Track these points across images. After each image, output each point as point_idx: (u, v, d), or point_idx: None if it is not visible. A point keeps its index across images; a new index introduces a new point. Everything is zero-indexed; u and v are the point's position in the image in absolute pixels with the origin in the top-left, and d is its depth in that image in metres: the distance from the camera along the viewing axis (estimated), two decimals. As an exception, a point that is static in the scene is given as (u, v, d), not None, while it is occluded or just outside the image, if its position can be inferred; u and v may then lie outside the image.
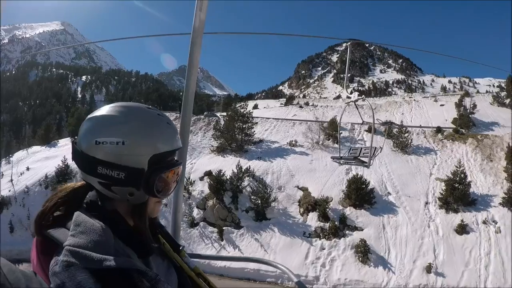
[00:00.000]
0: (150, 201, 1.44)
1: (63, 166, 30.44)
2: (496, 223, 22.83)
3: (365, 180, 25.78)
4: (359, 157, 12.83)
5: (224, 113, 43.77)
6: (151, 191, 1.37)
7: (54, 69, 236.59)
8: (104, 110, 1.40)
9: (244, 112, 36.64)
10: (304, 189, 26.93)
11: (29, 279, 1.01)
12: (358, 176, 25.97)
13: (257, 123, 38.84)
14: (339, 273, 20.27)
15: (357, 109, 14.97)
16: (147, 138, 1.36)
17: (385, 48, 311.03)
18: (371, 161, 12.36)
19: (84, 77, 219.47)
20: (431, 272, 19.79)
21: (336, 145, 33.87)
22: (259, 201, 25.02)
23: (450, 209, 24.15)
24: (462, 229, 22.40)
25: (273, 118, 43.86)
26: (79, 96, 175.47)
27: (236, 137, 34.32)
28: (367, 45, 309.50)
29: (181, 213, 2.23)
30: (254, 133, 35.78)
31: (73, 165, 31.51)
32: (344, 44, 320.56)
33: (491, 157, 30.25)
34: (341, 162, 13.98)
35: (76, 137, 1.48)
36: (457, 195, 24.20)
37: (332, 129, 35.46)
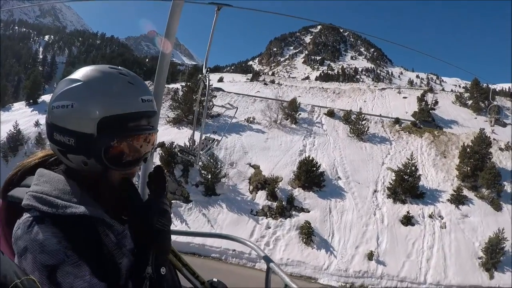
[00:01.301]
0: (111, 172, 1.32)
1: (14, 132, 29.30)
2: (442, 218, 23.21)
3: (316, 162, 25.65)
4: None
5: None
6: (100, 160, 1.26)
7: (16, 27, 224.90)
8: (72, 74, 1.30)
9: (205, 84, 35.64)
10: (256, 167, 26.66)
11: None
12: (310, 158, 25.76)
13: (216, 96, 38.03)
14: (282, 253, 20.16)
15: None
16: (96, 98, 1.23)
17: (358, 36, 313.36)
18: (198, 158, 10.62)
19: (47, 37, 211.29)
20: (372, 259, 19.96)
21: (294, 126, 33.68)
22: (210, 176, 24.54)
23: (398, 200, 24.38)
24: (408, 220, 22.69)
25: (234, 93, 43.33)
26: (40, 57, 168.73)
27: (193, 109, 33.42)
28: (341, 30, 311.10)
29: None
30: (212, 106, 35.00)
31: (25, 130, 30.41)
32: (319, 27, 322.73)
33: (445, 153, 30.68)
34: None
35: None
36: (406, 186, 24.43)
37: (291, 109, 34.99)
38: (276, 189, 24.16)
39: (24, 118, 34.72)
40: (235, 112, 14.24)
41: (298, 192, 24.24)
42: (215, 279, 1.87)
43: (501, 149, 31.37)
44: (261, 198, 23.95)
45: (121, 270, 1.21)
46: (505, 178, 26.66)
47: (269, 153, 28.44)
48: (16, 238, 1.12)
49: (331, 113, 37.04)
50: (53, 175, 1.26)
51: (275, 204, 23.23)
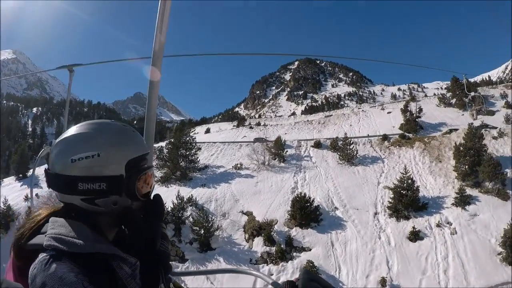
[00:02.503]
0: (133, 204, 1.44)
1: (4, 208, 28.62)
2: (450, 224, 22.04)
3: (309, 197, 24.57)
4: None
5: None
6: (133, 193, 1.40)
7: (5, 101, 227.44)
8: (72, 130, 1.40)
9: (187, 139, 35.30)
10: (249, 214, 25.63)
11: None
12: (302, 195, 24.72)
13: (200, 148, 37.51)
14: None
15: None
16: (119, 146, 1.38)
17: (335, 63, 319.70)
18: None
19: (35, 109, 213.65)
20: (386, 285, 18.69)
21: (283, 164, 32.94)
22: (202, 231, 23.50)
23: (401, 217, 23.25)
24: (415, 235, 21.47)
25: (220, 142, 42.75)
26: (30, 129, 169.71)
27: (180, 165, 32.84)
28: (318, 61, 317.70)
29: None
30: (198, 159, 34.45)
31: (15, 206, 29.59)
32: (297, 63, 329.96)
33: (440, 157, 29.88)
34: None
35: (47, 165, 1.45)
36: (406, 201, 23.32)
37: (277, 148, 34.30)
38: (272, 232, 23.08)
39: (14, 193, 33.89)
40: None
41: (295, 232, 23.10)
42: None
43: (494, 138, 30.78)
44: (258, 245, 22.86)
45: None
46: (506, 166, 25.87)
47: (260, 197, 27.45)
48: (33, 277, 1.13)
49: (317, 144, 36.41)
50: (67, 220, 1.30)
51: (273, 248, 22.14)
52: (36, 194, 30.06)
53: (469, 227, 21.40)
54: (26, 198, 31.19)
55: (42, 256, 1.17)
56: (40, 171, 39.94)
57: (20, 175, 40.77)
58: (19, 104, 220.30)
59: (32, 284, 1.12)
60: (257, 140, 40.88)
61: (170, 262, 1.55)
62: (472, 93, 32.20)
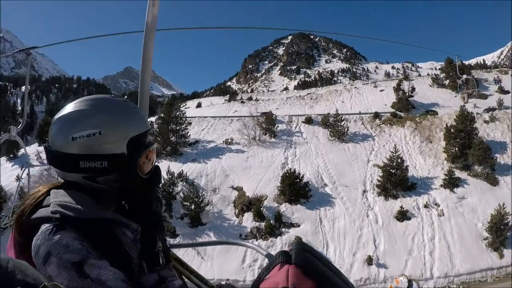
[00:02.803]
0: (135, 181, 1.43)
1: None
2: (438, 206, 22.25)
3: (299, 174, 24.60)
4: None
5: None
6: (134, 172, 1.39)
7: None
8: (71, 107, 1.37)
9: (177, 114, 35.00)
10: (239, 189, 25.65)
11: (23, 269, 0.99)
12: (292, 171, 24.74)
13: (191, 123, 37.21)
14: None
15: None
16: (120, 123, 1.35)
17: (329, 39, 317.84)
18: None
19: (23, 88, 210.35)
20: (372, 264, 18.92)
21: (273, 139, 32.84)
22: (193, 207, 23.51)
23: (389, 196, 23.42)
24: (403, 215, 21.69)
25: (210, 117, 42.32)
26: (19, 108, 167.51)
27: (170, 140, 32.61)
28: (311, 36, 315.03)
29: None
30: (189, 134, 34.16)
31: (7, 187, 29.64)
32: (290, 37, 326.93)
33: (431, 138, 29.95)
34: None
35: (47, 141, 1.42)
36: (395, 180, 23.44)
37: (268, 123, 34.16)
38: (262, 208, 23.17)
39: (5, 174, 33.91)
40: None
41: (285, 208, 23.23)
42: (223, 282, 1.68)
43: (486, 122, 30.76)
44: (248, 220, 22.99)
45: (136, 261, 1.34)
46: (496, 151, 26.04)
47: (251, 172, 27.47)
48: (37, 248, 1.14)
49: (309, 120, 36.27)
50: (68, 191, 1.31)
51: (263, 224, 22.28)
52: (28, 174, 29.78)
53: (457, 210, 21.67)
54: (18, 178, 30.77)
55: (45, 226, 1.18)
56: (31, 150, 39.87)
57: (11, 155, 40.61)
58: (7, 84, 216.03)
59: (36, 255, 1.14)
60: (263, 114, 40.07)
61: (163, 223, 1.60)
62: (465, 76, 32.04)
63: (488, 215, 20.25)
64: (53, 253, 1.10)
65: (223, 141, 33.72)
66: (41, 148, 38.89)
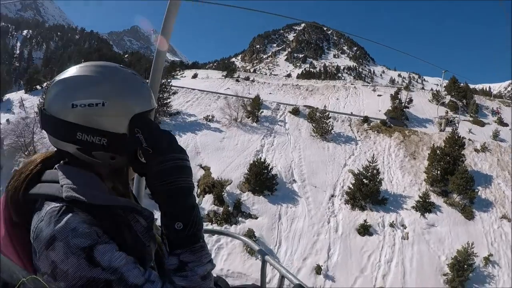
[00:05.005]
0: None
1: None
2: (405, 227, 21.00)
3: (268, 164, 23.40)
4: None
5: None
6: (134, 157, 1.31)
7: None
8: (76, 70, 1.25)
9: (163, 81, 33.82)
10: (207, 169, 24.46)
11: None
12: (261, 160, 23.53)
13: (176, 93, 36.06)
14: (223, 263, 17.82)
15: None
16: (126, 97, 1.25)
17: (342, 34, 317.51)
18: None
19: (25, 32, 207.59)
20: (320, 273, 17.68)
21: (255, 124, 31.62)
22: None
23: (357, 206, 22.21)
24: (365, 229, 20.44)
25: (198, 90, 41.05)
26: (17, 52, 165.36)
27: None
28: (324, 28, 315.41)
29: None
30: (170, 103, 33.02)
31: None
32: (303, 24, 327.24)
33: (415, 154, 28.77)
34: None
35: (42, 104, 1.32)
36: (365, 191, 22.20)
37: (253, 107, 32.93)
38: (223, 193, 22.01)
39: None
40: None
41: (246, 197, 22.05)
42: (214, 275, 1.65)
43: (476, 150, 29.48)
44: (207, 203, 21.80)
45: (150, 250, 1.28)
46: (479, 183, 24.83)
47: (222, 154, 26.26)
48: (38, 230, 1.06)
49: (296, 111, 34.83)
50: (77, 170, 1.22)
51: (221, 209, 21.19)
52: (7, 120, 28.92)
53: (423, 236, 20.42)
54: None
55: (50, 207, 1.09)
56: (15, 96, 38.66)
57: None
58: (9, 25, 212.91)
59: (37, 238, 1.05)
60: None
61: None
62: (449, 97, 30.44)
63: (454, 249, 19.05)
64: (59, 237, 1.02)
65: (204, 117, 32.39)
66: (26, 96, 37.97)
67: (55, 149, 1.30)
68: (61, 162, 1.29)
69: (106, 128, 1.19)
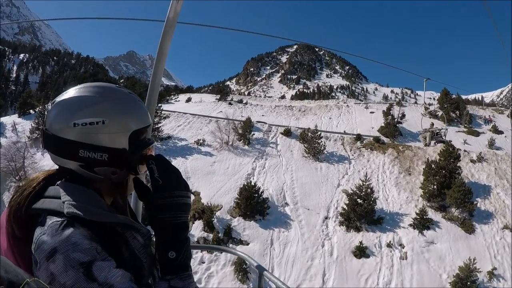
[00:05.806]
0: (129, 178, 1.44)
1: None
2: (403, 247, 20.21)
3: (259, 188, 22.76)
4: None
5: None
6: (134, 170, 1.38)
7: None
8: (75, 92, 1.33)
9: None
10: (196, 194, 23.79)
11: (4, 265, 0.97)
12: (252, 183, 22.95)
13: (168, 117, 35.82)
14: (214, 292, 17.25)
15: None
16: (125, 115, 1.33)
17: (334, 54, 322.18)
18: None
19: (22, 55, 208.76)
20: (315, 301, 17.16)
21: (246, 147, 31.13)
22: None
23: (352, 227, 21.42)
24: (361, 252, 19.62)
25: (190, 114, 40.71)
26: (13, 76, 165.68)
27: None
28: (316, 49, 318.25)
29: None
30: (161, 129, 32.64)
31: None
32: (295, 46, 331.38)
33: (410, 170, 28.18)
34: None
35: (43, 124, 1.38)
36: (360, 212, 21.50)
37: (245, 129, 32.52)
38: (213, 218, 21.36)
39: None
40: None
41: (237, 222, 21.34)
42: None
43: (472, 161, 28.92)
44: (197, 229, 21.02)
45: (147, 266, 1.32)
46: (477, 194, 24.18)
47: (213, 178, 25.63)
48: (40, 242, 1.11)
49: (287, 132, 34.31)
50: (77, 187, 1.27)
51: (211, 235, 20.54)
52: None
53: (422, 255, 19.62)
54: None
55: (52, 221, 1.14)
56: (8, 120, 38.29)
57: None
58: (6, 49, 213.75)
59: (39, 249, 1.09)
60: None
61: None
62: (433, 106, 29.82)
63: (456, 266, 18.30)
64: (60, 250, 1.06)
65: (195, 141, 31.89)
66: (19, 120, 37.65)
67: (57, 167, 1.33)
68: (63, 179, 1.32)
69: (106, 144, 1.26)
